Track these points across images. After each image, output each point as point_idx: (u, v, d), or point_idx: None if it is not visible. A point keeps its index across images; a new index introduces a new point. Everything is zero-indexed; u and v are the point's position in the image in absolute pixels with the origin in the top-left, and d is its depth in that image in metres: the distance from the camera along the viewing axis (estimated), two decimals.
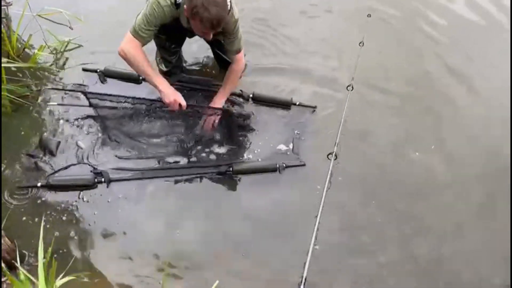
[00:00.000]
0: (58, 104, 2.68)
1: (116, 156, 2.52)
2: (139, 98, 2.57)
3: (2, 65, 2.51)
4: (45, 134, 2.56)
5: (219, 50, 2.76)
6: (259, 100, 2.81)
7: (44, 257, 1.71)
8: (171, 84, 2.42)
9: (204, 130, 2.60)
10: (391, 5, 3.65)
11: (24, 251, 2.11)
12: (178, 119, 2.66)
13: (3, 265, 1.86)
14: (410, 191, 2.48)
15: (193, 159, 2.53)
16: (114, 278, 2.10)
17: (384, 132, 2.73)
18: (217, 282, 1.83)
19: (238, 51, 2.52)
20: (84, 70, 2.93)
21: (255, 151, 2.60)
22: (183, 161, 2.53)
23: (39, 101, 2.75)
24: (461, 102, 2.94)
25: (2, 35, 2.84)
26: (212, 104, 2.57)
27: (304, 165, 2.51)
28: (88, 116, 2.65)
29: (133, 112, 2.66)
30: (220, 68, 2.90)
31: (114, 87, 2.81)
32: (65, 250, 2.16)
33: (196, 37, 2.61)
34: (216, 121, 2.59)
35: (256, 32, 3.31)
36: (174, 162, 2.52)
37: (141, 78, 2.77)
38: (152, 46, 2.56)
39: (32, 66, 2.86)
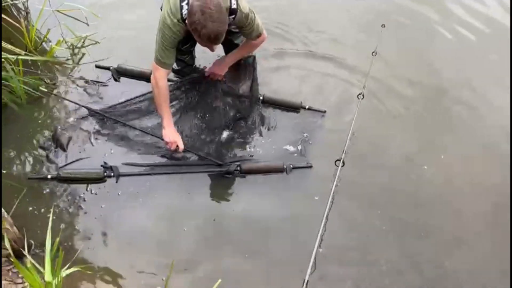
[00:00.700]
0: (71, 101, 2.72)
1: (125, 151, 2.55)
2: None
3: (20, 57, 2.55)
4: (58, 128, 2.59)
5: (230, 50, 2.77)
6: (269, 102, 2.84)
7: (51, 248, 1.73)
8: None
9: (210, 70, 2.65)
10: (406, 16, 3.68)
11: (31, 241, 2.14)
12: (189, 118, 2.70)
13: (11, 252, 1.89)
14: (416, 201, 2.48)
15: (202, 156, 2.54)
16: (118, 273, 2.12)
17: (392, 142, 2.74)
18: (219, 280, 1.85)
19: (259, 35, 2.52)
20: (97, 67, 2.97)
21: (263, 151, 2.63)
22: (191, 158, 2.55)
23: (53, 94, 2.79)
24: (473, 113, 2.95)
25: (22, 28, 2.89)
26: (217, 62, 2.66)
27: (311, 166, 2.54)
28: (98, 113, 2.68)
29: (144, 109, 2.71)
30: None
31: (127, 83, 2.88)
32: (70, 243, 2.19)
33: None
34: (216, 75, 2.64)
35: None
36: (182, 159, 2.54)
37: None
38: None
39: (48, 60, 2.91)
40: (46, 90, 2.77)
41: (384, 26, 3.27)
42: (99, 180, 2.40)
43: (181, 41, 2.41)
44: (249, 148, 2.65)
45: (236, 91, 2.79)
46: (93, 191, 2.38)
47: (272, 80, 3.03)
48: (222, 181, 2.50)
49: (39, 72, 2.88)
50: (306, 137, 2.70)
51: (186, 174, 2.50)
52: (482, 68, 3.28)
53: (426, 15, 3.72)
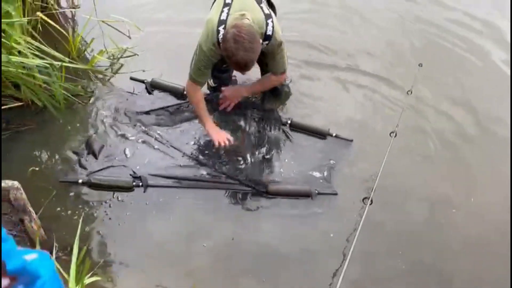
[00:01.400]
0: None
1: (155, 162, 2.58)
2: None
3: (65, 64, 2.63)
4: (93, 135, 2.66)
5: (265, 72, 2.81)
6: (296, 127, 2.86)
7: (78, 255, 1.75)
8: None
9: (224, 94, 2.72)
10: (443, 58, 3.67)
11: (55, 243, 2.15)
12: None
13: None
14: (441, 247, 2.42)
15: (230, 174, 2.57)
16: (138, 285, 2.13)
17: (421, 182, 2.69)
18: None
19: (283, 72, 2.60)
20: (132, 79, 3.03)
21: (288, 174, 2.63)
22: (219, 174, 2.57)
23: (90, 102, 2.87)
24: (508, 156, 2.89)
25: (67, 35, 3.00)
26: (232, 87, 2.75)
27: (336, 194, 2.53)
28: (134, 125, 2.76)
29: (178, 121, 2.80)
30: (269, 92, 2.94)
31: (159, 96, 2.95)
32: (91, 247, 2.20)
33: None
34: (231, 105, 2.71)
35: (305, 63, 3.38)
36: (210, 175, 2.57)
37: (184, 92, 2.89)
38: None
39: (90, 68, 3.00)
40: (84, 97, 2.84)
41: (422, 66, 3.28)
42: (128, 189, 2.44)
43: (219, 60, 2.46)
44: (275, 170, 2.65)
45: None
46: (119, 198, 2.41)
47: (305, 104, 3.06)
48: (249, 200, 2.50)
49: (80, 79, 2.96)
50: (332, 164, 2.69)
51: (213, 190, 2.51)
52: None
53: (463, 55, 3.70)
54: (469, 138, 3.01)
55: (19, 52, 2.52)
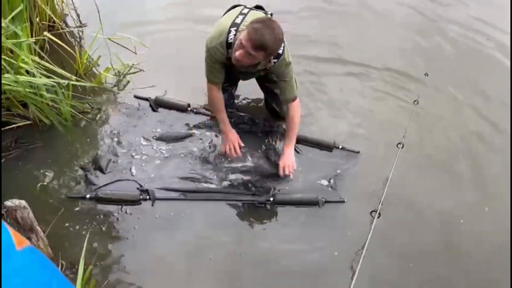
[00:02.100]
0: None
1: (162, 176, 2.60)
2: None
3: (72, 82, 2.67)
4: (99, 151, 2.68)
5: (271, 99, 2.86)
6: (302, 141, 2.84)
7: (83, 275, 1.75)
8: None
9: (284, 175, 2.61)
10: (450, 67, 3.65)
11: (62, 261, 2.16)
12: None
13: None
14: (452, 259, 2.39)
15: (236, 184, 2.58)
16: None
17: (429, 194, 2.67)
18: None
19: (294, 98, 2.55)
20: (136, 97, 3.05)
21: (295, 184, 2.62)
22: (225, 185, 2.58)
23: (97, 118, 2.89)
24: None
25: (74, 54, 3.04)
26: (284, 156, 2.60)
27: (344, 201, 2.51)
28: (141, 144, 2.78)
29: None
30: (270, 115, 2.98)
31: (164, 112, 2.97)
32: (100, 263, 2.20)
33: (250, 80, 2.75)
34: (291, 169, 2.59)
35: (309, 85, 3.37)
36: (216, 186, 2.57)
37: (189, 109, 2.94)
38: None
39: (96, 86, 3.03)
40: (91, 114, 2.88)
41: (427, 75, 3.26)
42: (135, 202, 2.45)
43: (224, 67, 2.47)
44: (281, 179, 2.63)
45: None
46: (127, 211, 2.43)
47: (310, 112, 3.07)
48: (256, 211, 2.49)
49: (87, 96, 2.99)
50: (339, 174, 2.68)
51: (219, 202, 2.52)
52: None
53: (470, 63, 3.69)
54: (478, 147, 2.98)
55: (27, 71, 2.55)
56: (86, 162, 2.63)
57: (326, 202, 2.50)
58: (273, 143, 2.81)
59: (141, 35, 3.40)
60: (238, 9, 2.46)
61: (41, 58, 2.71)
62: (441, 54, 3.77)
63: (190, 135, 2.82)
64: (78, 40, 3.50)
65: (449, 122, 3.14)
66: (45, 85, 2.53)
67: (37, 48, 2.78)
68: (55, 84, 2.54)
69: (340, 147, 2.81)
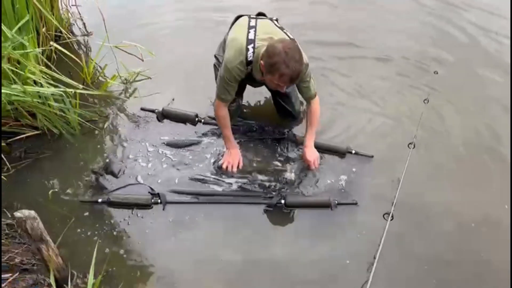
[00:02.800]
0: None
1: (173, 179, 2.59)
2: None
3: (78, 91, 2.67)
4: (110, 157, 2.69)
5: (280, 99, 2.83)
6: (315, 147, 2.77)
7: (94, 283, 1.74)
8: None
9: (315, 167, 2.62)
10: (460, 65, 3.60)
11: (73, 271, 2.15)
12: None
13: (53, 284, 1.92)
14: (469, 263, 2.32)
15: (247, 187, 2.56)
16: None
17: (442, 195, 2.60)
18: None
19: (315, 94, 2.59)
20: (143, 109, 3.02)
21: (306, 187, 2.58)
22: (236, 188, 2.56)
23: (105, 126, 2.89)
24: None
25: (81, 62, 3.05)
26: (308, 149, 2.62)
27: (356, 203, 2.46)
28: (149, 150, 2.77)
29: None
30: (280, 117, 2.95)
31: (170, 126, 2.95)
32: (113, 270, 2.18)
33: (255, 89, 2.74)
34: (317, 162, 2.60)
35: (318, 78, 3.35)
36: (227, 189, 2.56)
37: (197, 119, 2.92)
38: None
39: (103, 94, 3.03)
40: (99, 122, 2.89)
41: (437, 73, 3.21)
42: (146, 206, 2.44)
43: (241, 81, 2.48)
44: (293, 182, 2.60)
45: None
46: (138, 215, 2.42)
47: (320, 120, 2.98)
48: (267, 214, 2.46)
49: (94, 104, 3.00)
50: (351, 176, 2.63)
51: (230, 204, 2.49)
52: None
53: (480, 63, 3.62)
54: (491, 146, 2.92)
55: (35, 82, 2.57)
56: (98, 167, 2.63)
57: (339, 204, 2.45)
58: (285, 150, 2.78)
59: (148, 42, 3.40)
60: (245, 21, 2.46)
61: (48, 68, 2.72)
62: (451, 51, 3.71)
63: (198, 142, 2.81)
64: (85, 49, 3.51)
65: (460, 120, 3.08)
66: (53, 94, 2.54)
67: (44, 58, 2.79)
68: (62, 93, 2.55)
69: (354, 152, 2.75)
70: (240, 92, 2.81)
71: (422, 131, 2.85)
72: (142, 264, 2.23)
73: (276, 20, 2.57)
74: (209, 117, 2.94)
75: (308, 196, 2.52)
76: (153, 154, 2.72)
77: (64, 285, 2.01)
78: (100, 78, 3.24)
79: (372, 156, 2.73)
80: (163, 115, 2.97)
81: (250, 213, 2.47)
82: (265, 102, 3.10)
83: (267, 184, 2.57)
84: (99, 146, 2.79)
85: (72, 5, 3.71)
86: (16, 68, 2.50)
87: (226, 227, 2.42)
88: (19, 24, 2.56)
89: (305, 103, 2.80)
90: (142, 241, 2.32)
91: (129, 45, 3.26)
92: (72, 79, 2.75)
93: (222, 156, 2.69)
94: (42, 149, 2.69)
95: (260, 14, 2.62)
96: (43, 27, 3.15)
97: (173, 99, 3.11)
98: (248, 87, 2.83)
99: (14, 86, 2.42)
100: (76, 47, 3.51)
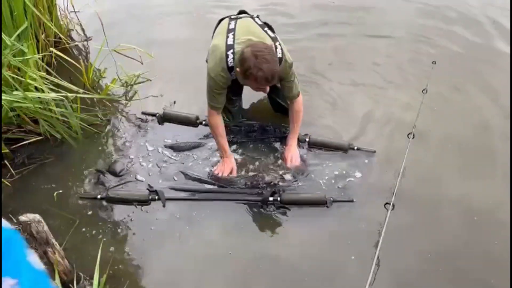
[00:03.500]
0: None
1: (173, 177, 2.63)
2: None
3: (79, 95, 2.70)
4: (113, 157, 2.73)
5: (275, 95, 2.85)
6: (315, 145, 2.80)
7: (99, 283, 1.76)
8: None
9: (292, 166, 2.64)
10: (457, 54, 3.60)
11: (80, 273, 2.16)
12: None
13: (60, 286, 1.94)
14: (471, 251, 2.31)
15: (243, 186, 2.57)
16: None
17: (444, 184, 2.61)
18: None
19: (298, 94, 2.58)
20: (143, 113, 3.04)
21: (303, 183, 2.58)
22: (233, 186, 2.57)
23: (107, 130, 2.92)
24: None
25: (80, 67, 3.07)
26: (288, 147, 2.67)
27: (353, 201, 2.46)
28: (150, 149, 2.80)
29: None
30: (275, 112, 2.97)
31: (173, 127, 2.96)
32: (118, 269, 2.20)
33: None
34: (294, 160, 2.63)
35: (311, 74, 3.37)
36: (224, 186, 2.57)
37: (197, 121, 2.93)
38: None
39: (104, 97, 3.06)
40: (100, 125, 2.91)
41: (435, 63, 3.21)
42: (144, 202, 2.47)
43: (230, 87, 2.50)
44: (289, 178, 2.61)
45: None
46: (142, 213, 2.45)
47: (317, 119, 3.02)
48: (263, 211, 2.47)
49: (96, 108, 3.02)
50: (349, 170, 2.64)
51: (227, 202, 2.50)
52: None
53: (477, 53, 3.63)
54: (489, 133, 2.92)
55: (36, 88, 2.59)
56: (101, 167, 2.67)
57: (335, 201, 2.46)
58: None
59: (148, 45, 3.43)
60: (225, 24, 2.47)
61: (49, 73, 2.75)
62: (448, 41, 3.71)
63: (201, 145, 2.82)
64: (85, 54, 3.54)
65: (459, 110, 3.09)
66: (54, 99, 2.57)
67: (44, 64, 2.82)
68: (63, 98, 2.58)
69: (356, 148, 2.75)
70: (238, 93, 2.82)
71: (422, 121, 2.85)
72: (146, 263, 2.25)
73: (257, 17, 2.56)
74: None
75: (304, 193, 2.52)
76: (153, 155, 2.75)
77: (71, 286, 2.03)
78: (100, 82, 3.27)
79: (375, 151, 2.73)
80: (164, 118, 2.98)
81: (251, 212, 2.48)
82: (264, 102, 3.10)
83: (265, 181, 2.57)
84: (101, 149, 2.81)
85: (71, 11, 3.74)
86: (17, 75, 2.53)
87: (228, 226, 2.42)
88: (18, 31, 2.58)
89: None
90: (146, 239, 2.34)
91: (128, 48, 3.28)
92: (72, 84, 2.78)
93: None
94: (45, 154, 2.72)
95: (242, 13, 2.61)
96: (42, 33, 3.19)
97: (174, 102, 3.13)
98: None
99: (15, 92, 2.45)
100: (76, 52, 3.54)
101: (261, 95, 3.10)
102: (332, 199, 2.46)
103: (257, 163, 2.69)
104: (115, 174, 2.62)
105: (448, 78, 3.33)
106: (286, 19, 4.02)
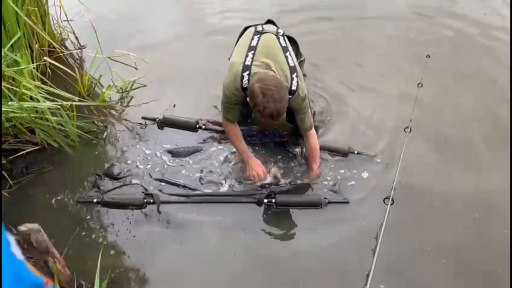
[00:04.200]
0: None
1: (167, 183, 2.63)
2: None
3: (75, 103, 2.69)
4: (111, 161, 2.74)
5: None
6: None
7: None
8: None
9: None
10: (451, 47, 3.60)
11: (81, 281, 2.15)
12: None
13: None
14: (472, 244, 2.32)
15: (238, 187, 2.58)
16: None
17: (443, 178, 2.62)
18: None
19: (310, 127, 2.54)
20: (144, 118, 3.04)
21: (298, 185, 2.58)
22: (228, 188, 2.58)
23: (104, 136, 2.92)
24: None
25: (75, 75, 3.07)
26: (311, 176, 2.63)
27: (347, 202, 2.46)
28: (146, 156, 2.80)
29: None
30: (286, 121, 2.89)
31: (171, 132, 2.96)
32: (118, 274, 2.21)
33: None
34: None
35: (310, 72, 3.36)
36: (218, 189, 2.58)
37: (197, 126, 2.93)
38: None
39: (99, 104, 3.06)
40: (97, 132, 2.91)
41: (429, 57, 3.22)
42: (140, 206, 2.48)
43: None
44: (284, 179, 2.62)
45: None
46: (141, 217, 2.45)
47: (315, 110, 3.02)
48: (258, 213, 2.47)
49: (92, 116, 3.02)
50: (348, 169, 2.64)
51: (222, 204, 2.51)
52: None
53: (472, 46, 3.62)
54: (485, 125, 2.93)
55: (31, 97, 2.59)
56: (100, 171, 2.68)
57: (329, 203, 2.46)
58: (285, 152, 2.79)
59: (142, 51, 3.42)
60: (248, 37, 2.45)
61: (44, 83, 2.75)
62: (440, 35, 3.72)
63: (198, 150, 2.81)
64: (79, 62, 3.54)
65: (455, 102, 3.10)
66: (49, 108, 2.57)
67: (38, 73, 2.82)
68: (58, 106, 2.58)
69: (356, 152, 2.72)
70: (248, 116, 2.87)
71: (418, 115, 2.85)
72: (147, 266, 2.25)
73: (283, 35, 2.53)
74: (209, 122, 2.96)
75: (298, 195, 2.52)
76: (151, 159, 2.75)
77: None
78: (96, 89, 3.26)
79: (376, 155, 2.70)
80: (164, 123, 2.98)
81: (248, 214, 2.48)
82: None
83: (258, 184, 2.58)
84: (99, 156, 2.82)
85: (64, 20, 3.74)
86: (12, 85, 2.52)
87: (228, 228, 2.43)
88: (11, 42, 2.58)
89: None
90: (146, 242, 2.35)
91: (122, 55, 3.28)
92: (68, 92, 2.78)
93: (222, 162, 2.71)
94: (43, 163, 2.71)
95: (269, 22, 2.61)
96: (36, 43, 3.19)
97: (174, 105, 3.13)
98: None
99: (10, 103, 2.44)
100: (70, 60, 3.53)
101: None
102: (327, 200, 2.46)
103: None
104: (112, 177, 2.63)
105: (443, 71, 3.34)
106: (277, 14, 4.02)
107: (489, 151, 2.76)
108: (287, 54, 2.42)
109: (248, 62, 2.33)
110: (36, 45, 3.19)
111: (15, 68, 2.54)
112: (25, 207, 2.50)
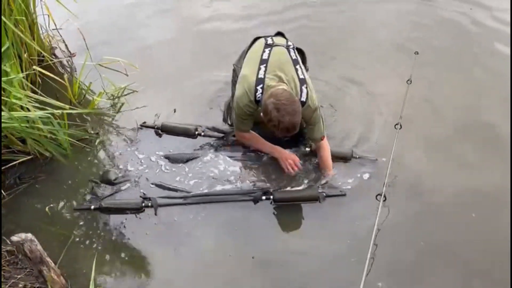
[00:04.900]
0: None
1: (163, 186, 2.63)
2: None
3: (65, 111, 2.69)
4: (106, 167, 2.74)
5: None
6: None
7: None
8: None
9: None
10: (439, 43, 3.64)
11: None
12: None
13: None
14: (464, 237, 2.35)
15: (235, 185, 2.59)
16: None
17: (434, 173, 2.64)
18: None
19: (322, 138, 2.54)
20: (143, 126, 3.02)
21: (294, 179, 2.59)
22: (224, 187, 2.59)
23: (96, 143, 2.91)
24: None
25: (65, 83, 3.07)
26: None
27: (345, 195, 2.48)
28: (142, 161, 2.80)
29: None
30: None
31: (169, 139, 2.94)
32: (117, 274, 2.23)
33: None
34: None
35: None
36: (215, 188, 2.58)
37: (196, 133, 2.92)
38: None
39: (91, 111, 3.05)
40: (90, 140, 2.91)
41: (418, 53, 3.24)
42: (138, 210, 2.48)
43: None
44: (281, 176, 2.62)
45: None
46: (136, 220, 2.46)
47: None
48: (256, 210, 2.48)
49: (83, 123, 3.02)
50: (341, 167, 2.65)
51: (220, 203, 2.51)
52: None
53: (461, 41, 3.64)
54: (476, 121, 2.96)
55: (22, 107, 2.58)
56: (95, 177, 2.68)
57: (327, 196, 2.47)
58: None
59: (132, 57, 3.42)
60: (259, 49, 2.48)
61: (34, 92, 2.73)
62: (428, 30, 3.74)
63: (195, 157, 2.80)
64: (69, 70, 3.53)
65: (444, 98, 3.12)
66: (40, 117, 2.56)
67: (28, 83, 2.81)
68: (49, 115, 2.57)
69: (358, 156, 2.70)
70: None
71: (408, 112, 2.87)
72: (143, 270, 2.25)
73: (293, 48, 2.57)
74: (208, 128, 2.97)
75: (296, 190, 2.53)
76: (145, 165, 2.75)
77: None
78: (87, 96, 3.26)
79: (377, 159, 2.69)
80: (163, 130, 2.97)
81: (244, 213, 2.48)
82: None
83: (255, 181, 2.60)
84: (92, 163, 2.81)
85: (52, 29, 3.73)
86: (2, 96, 2.52)
87: (224, 228, 2.43)
88: None
89: None
90: (142, 245, 2.35)
91: (112, 61, 3.28)
92: (59, 101, 2.76)
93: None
94: (36, 173, 2.70)
95: (279, 34, 2.65)
96: (25, 52, 3.17)
97: (174, 110, 3.14)
98: None
99: None
100: (60, 69, 3.52)
101: None
102: (324, 194, 2.47)
103: (254, 170, 2.69)
104: (109, 183, 2.63)
105: (431, 68, 3.36)
106: (267, 16, 4.05)
107: (480, 146, 2.79)
108: (297, 66, 2.46)
109: (261, 75, 2.37)
110: (25, 55, 3.18)
111: (5, 78, 2.53)
112: (18, 217, 2.49)
